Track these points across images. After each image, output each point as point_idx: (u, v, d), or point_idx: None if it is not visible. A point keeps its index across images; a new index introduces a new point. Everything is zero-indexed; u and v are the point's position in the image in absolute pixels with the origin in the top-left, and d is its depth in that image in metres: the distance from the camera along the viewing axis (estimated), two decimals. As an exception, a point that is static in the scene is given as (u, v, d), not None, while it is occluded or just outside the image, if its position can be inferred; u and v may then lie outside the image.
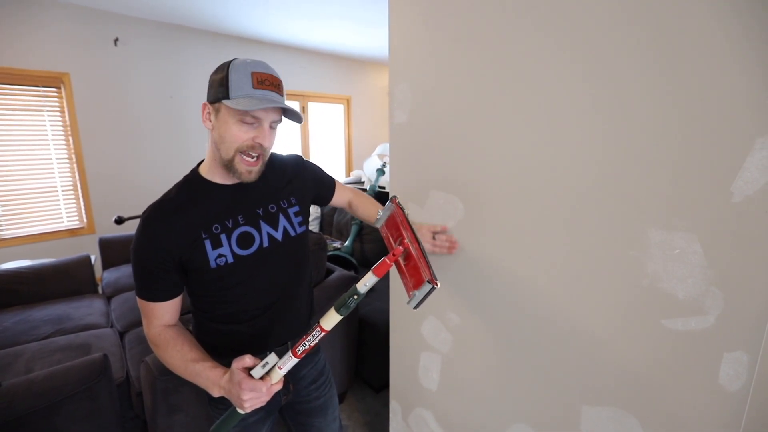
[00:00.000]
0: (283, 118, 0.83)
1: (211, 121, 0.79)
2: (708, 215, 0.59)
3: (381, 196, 3.12)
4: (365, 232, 2.84)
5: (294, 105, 4.68)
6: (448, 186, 0.96)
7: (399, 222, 0.73)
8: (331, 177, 1.09)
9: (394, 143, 1.09)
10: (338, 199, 1.10)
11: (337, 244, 2.96)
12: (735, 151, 0.56)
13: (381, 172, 3.22)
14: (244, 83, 0.74)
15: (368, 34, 4.08)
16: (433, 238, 0.98)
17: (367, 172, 3.44)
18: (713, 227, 0.59)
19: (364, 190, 3.30)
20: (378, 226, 0.80)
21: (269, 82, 0.76)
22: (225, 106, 0.75)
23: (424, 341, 1.11)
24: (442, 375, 1.09)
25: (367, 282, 0.68)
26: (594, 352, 0.76)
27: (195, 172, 0.87)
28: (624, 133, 0.66)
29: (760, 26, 0.52)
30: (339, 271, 1.93)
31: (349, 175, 4.49)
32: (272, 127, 0.81)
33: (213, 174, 0.84)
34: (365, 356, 2.01)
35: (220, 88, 0.75)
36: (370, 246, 2.81)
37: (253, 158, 0.79)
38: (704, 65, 0.57)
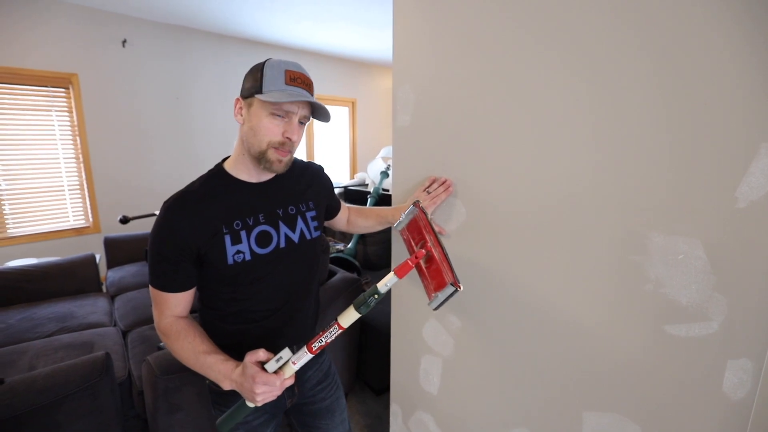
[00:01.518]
0: (312, 119, 0.85)
1: (242, 115, 0.81)
2: (712, 220, 0.59)
3: (385, 199, 3.12)
4: (368, 234, 2.84)
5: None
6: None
7: (422, 226, 0.74)
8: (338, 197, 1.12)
9: (397, 146, 1.10)
10: (340, 217, 1.13)
11: (340, 246, 2.97)
12: (740, 156, 0.55)
13: (385, 174, 3.22)
14: (277, 79, 0.76)
15: (374, 37, 4.09)
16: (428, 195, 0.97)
17: (371, 174, 3.44)
18: (717, 232, 0.59)
19: (368, 193, 3.30)
20: (398, 229, 0.81)
21: (301, 80, 0.78)
22: (258, 100, 0.77)
23: (425, 344, 1.11)
24: (442, 378, 1.08)
25: (387, 282, 0.69)
26: (595, 358, 0.76)
27: (220, 167, 0.87)
28: (627, 136, 0.66)
29: (764, 30, 0.52)
30: (341, 273, 1.93)
31: (353, 178, 4.49)
32: (301, 123, 0.82)
33: (238, 170, 0.85)
34: (366, 358, 2.01)
35: (254, 83, 0.77)
36: (372, 248, 2.81)
37: (284, 151, 0.81)
38: (709, 70, 0.57)
